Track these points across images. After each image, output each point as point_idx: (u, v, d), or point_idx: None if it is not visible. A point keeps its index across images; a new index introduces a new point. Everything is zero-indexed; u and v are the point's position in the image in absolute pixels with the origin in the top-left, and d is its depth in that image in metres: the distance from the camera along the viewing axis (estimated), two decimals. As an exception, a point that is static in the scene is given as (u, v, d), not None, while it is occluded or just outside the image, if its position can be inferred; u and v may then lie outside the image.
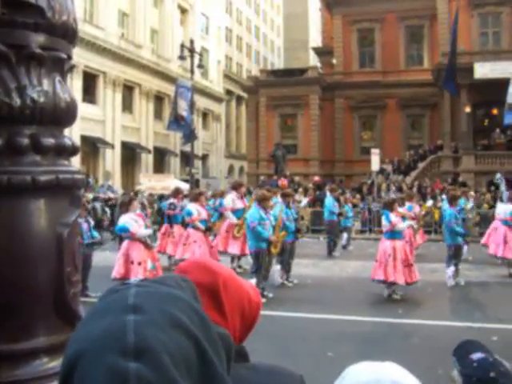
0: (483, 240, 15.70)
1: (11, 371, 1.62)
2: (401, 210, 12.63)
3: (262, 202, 11.41)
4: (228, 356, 0.89)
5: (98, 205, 19.23)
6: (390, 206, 11.52)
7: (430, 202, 22.07)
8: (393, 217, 11.17)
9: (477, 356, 2.03)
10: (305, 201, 23.61)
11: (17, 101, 1.64)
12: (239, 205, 13.68)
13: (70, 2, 1.81)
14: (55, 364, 1.64)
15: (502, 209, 14.99)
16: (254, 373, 1.40)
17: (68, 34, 1.79)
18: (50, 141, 1.71)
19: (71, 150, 1.81)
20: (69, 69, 1.82)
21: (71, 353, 0.79)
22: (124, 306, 0.79)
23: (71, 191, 1.77)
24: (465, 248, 14.89)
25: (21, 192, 1.64)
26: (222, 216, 15.14)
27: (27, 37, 1.67)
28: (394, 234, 11.19)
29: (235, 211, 13.60)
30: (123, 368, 0.73)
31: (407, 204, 15.50)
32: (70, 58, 1.80)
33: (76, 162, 29.11)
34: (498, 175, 23.44)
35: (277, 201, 13.50)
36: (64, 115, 1.77)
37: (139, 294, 0.81)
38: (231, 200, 13.99)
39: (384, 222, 11.42)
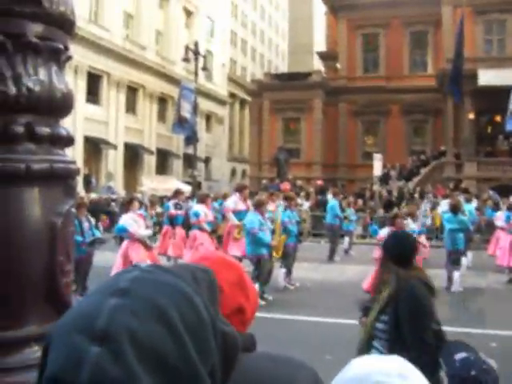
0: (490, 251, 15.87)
1: (2, 358, 1.63)
2: (411, 224, 12.33)
3: (260, 207, 11.41)
4: (230, 357, 0.87)
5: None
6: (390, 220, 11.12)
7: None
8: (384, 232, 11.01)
9: (460, 356, 2.05)
10: (306, 204, 23.57)
11: (12, 89, 1.64)
12: (241, 207, 13.66)
13: (68, -7, 1.81)
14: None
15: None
16: (265, 362, 1.31)
17: (65, 24, 1.79)
18: (45, 130, 1.71)
19: (66, 140, 1.81)
20: (66, 60, 1.82)
21: (50, 330, 0.80)
22: (113, 289, 0.78)
23: (65, 181, 1.76)
24: (469, 255, 14.88)
25: (14, 180, 1.64)
26: (225, 218, 15.11)
27: (24, 26, 1.67)
28: None
29: (237, 213, 13.58)
30: (84, 350, 0.72)
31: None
32: (66, 48, 1.80)
33: (79, 162, 29.10)
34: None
35: (279, 204, 13.51)
36: (60, 105, 1.77)
37: (135, 279, 0.80)
38: (233, 202, 13.98)
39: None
